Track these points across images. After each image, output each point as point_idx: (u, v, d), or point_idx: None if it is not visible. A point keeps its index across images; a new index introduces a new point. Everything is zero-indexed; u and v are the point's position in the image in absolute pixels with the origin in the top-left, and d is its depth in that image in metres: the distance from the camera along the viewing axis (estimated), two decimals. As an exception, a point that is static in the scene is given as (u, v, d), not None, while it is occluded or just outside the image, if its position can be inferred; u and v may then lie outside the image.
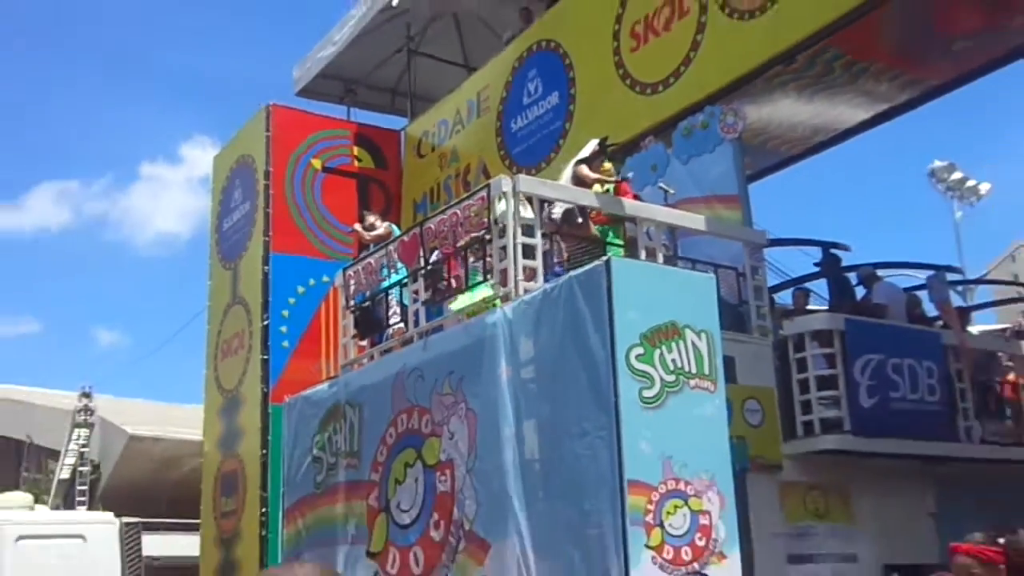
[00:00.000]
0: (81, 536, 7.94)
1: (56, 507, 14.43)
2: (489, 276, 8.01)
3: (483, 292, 7.98)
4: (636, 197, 9.15)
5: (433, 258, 8.79)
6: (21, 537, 7.44)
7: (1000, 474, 9.87)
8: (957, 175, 25.64)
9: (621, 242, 8.70)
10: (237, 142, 16.27)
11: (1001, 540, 4.10)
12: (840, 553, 8.71)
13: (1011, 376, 10.64)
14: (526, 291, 7.58)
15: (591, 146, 8.91)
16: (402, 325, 9.16)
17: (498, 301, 7.73)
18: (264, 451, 13.49)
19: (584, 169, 8.59)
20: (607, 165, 9.33)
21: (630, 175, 9.40)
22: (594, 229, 8.84)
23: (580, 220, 8.65)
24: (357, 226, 12.43)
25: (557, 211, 8.56)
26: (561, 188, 8.82)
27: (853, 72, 12.16)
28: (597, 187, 8.92)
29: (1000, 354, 10.81)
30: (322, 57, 16.44)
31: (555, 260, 8.38)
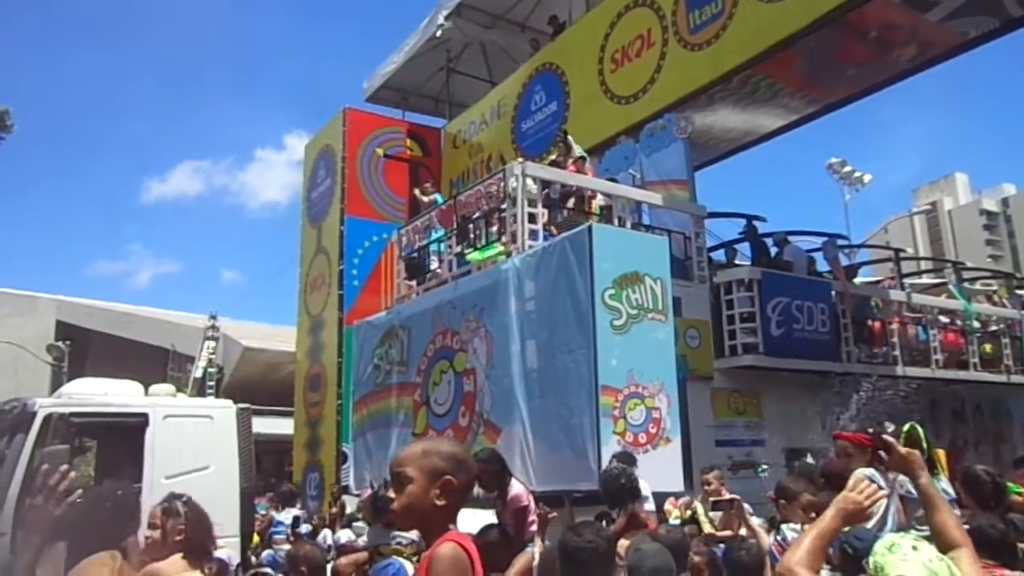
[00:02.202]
0: (209, 416, 7.95)
1: (192, 396, 14.57)
2: (503, 235, 7.96)
3: (499, 247, 7.93)
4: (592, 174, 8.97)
5: (464, 221, 8.74)
6: (167, 416, 7.48)
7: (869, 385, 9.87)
8: (847, 168, 25.21)
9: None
10: (322, 134, 16.10)
11: (870, 430, 4.15)
12: (752, 439, 8.73)
13: (880, 315, 10.57)
14: (530, 247, 7.53)
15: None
16: (440, 270, 9.11)
17: (510, 253, 7.69)
18: (340, 359, 13.56)
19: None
20: (576, 151, 9.05)
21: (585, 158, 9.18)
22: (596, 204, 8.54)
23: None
24: (417, 191, 12.10)
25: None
26: (556, 172, 8.68)
27: (773, 91, 12.02)
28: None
29: (872, 299, 10.72)
30: (384, 73, 16.26)
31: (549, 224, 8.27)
